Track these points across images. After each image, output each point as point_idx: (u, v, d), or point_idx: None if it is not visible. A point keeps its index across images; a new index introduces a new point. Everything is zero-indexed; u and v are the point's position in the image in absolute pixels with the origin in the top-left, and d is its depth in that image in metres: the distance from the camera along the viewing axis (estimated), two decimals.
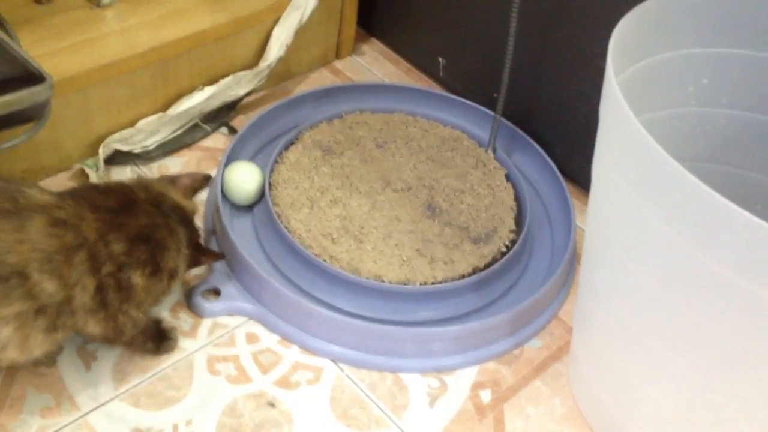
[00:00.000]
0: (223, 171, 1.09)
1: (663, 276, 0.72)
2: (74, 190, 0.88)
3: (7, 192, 0.79)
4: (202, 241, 1.00)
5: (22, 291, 0.76)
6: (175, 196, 0.93)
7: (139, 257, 0.84)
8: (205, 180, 1.00)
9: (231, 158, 1.13)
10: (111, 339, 0.88)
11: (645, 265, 0.74)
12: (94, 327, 0.84)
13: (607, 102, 0.76)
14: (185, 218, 0.92)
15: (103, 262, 0.82)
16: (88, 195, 0.85)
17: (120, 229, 0.84)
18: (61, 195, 0.84)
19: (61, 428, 0.88)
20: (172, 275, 0.89)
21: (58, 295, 0.79)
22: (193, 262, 0.95)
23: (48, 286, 0.78)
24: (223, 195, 1.09)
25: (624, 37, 0.78)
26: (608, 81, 0.75)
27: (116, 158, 1.14)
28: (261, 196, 1.10)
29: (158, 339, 0.94)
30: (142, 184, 0.91)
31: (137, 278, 0.85)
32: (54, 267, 0.78)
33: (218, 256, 1.01)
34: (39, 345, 0.80)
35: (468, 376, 1.00)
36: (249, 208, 1.12)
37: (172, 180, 0.96)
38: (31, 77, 0.90)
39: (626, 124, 0.70)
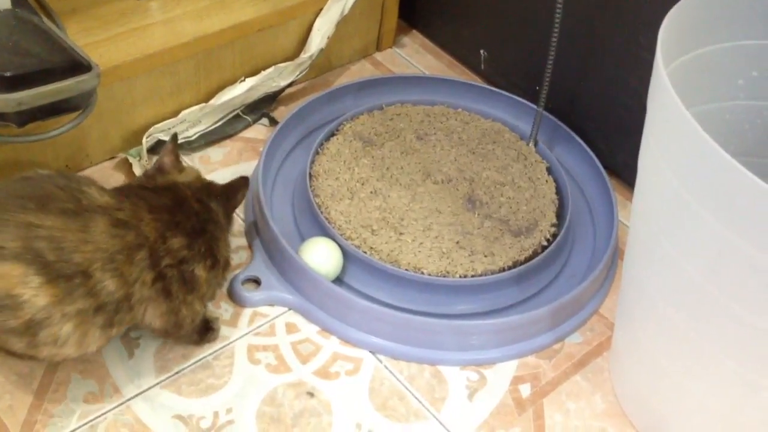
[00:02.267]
0: (300, 247, 1.03)
1: (710, 270, 0.71)
2: (126, 189, 0.89)
3: (70, 191, 0.81)
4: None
5: (85, 289, 0.78)
6: (184, 177, 0.93)
7: (199, 250, 0.86)
8: (173, 142, 0.96)
9: (272, 150, 1.14)
10: (169, 333, 0.90)
11: (692, 258, 0.73)
12: (153, 320, 0.86)
13: (656, 93, 0.75)
14: (209, 190, 0.93)
15: (163, 257, 0.84)
16: (142, 195, 0.87)
17: (177, 226, 0.85)
18: (117, 195, 0.85)
19: (104, 413, 0.89)
20: (225, 266, 0.92)
21: (117, 293, 0.81)
22: (232, 207, 0.95)
23: (109, 285, 0.80)
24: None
25: (673, 28, 0.77)
26: (657, 72, 0.74)
27: (159, 148, 1.15)
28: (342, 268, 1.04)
29: (202, 330, 0.95)
30: (183, 179, 0.92)
31: (200, 270, 0.87)
32: (116, 266, 0.80)
33: (243, 180, 0.96)
34: (95, 341, 0.82)
35: (507, 370, 0.99)
36: (290, 198, 1.12)
37: (159, 169, 0.94)
38: (78, 66, 0.91)
39: (675, 115, 0.69)
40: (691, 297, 0.75)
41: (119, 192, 0.87)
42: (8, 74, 0.87)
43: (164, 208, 0.86)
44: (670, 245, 0.76)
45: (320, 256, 1.01)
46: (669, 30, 0.77)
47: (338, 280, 1.02)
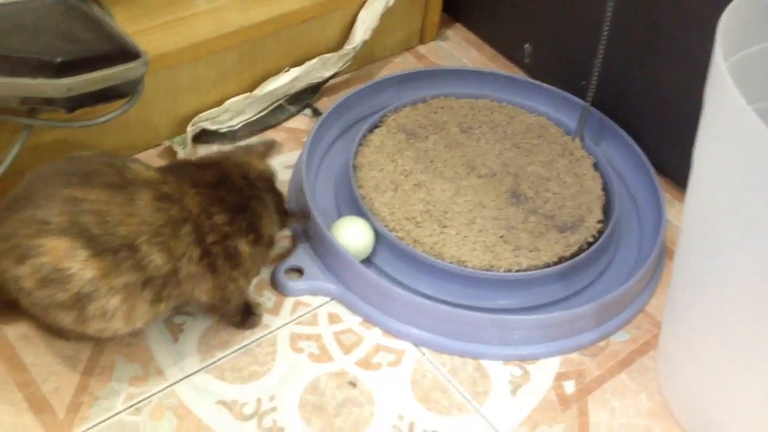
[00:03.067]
0: (332, 227, 1.03)
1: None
2: (171, 166, 0.90)
3: (115, 166, 0.82)
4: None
5: (132, 263, 0.79)
6: (258, 164, 0.94)
7: (241, 226, 0.86)
8: (274, 146, 0.99)
9: (316, 140, 1.13)
10: (216, 308, 0.90)
11: (748, 255, 0.71)
12: (201, 295, 0.86)
13: (715, 88, 0.73)
14: (270, 186, 0.94)
15: (207, 233, 0.84)
16: (186, 170, 0.87)
17: (220, 201, 0.85)
18: (162, 170, 0.86)
19: (149, 396, 0.89)
20: (270, 243, 0.91)
21: (165, 267, 0.81)
22: (281, 226, 0.96)
23: (156, 258, 0.80)
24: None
25: (733, 22, 0.75)
26: (716, 66, 0.72)
27: (203, 137, 1.16)
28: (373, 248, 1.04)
29: (245, 313, 0.95)
30: (230, 158, 0.93)
31: (244, 246, 0.87)
32: (162, 240, 0.80)
33: (305, 216, 1.02)
34: (143, 316, 0.82)
35: (551, 366, 0.98)
36: (333, 189, 1.12)
37: (248, 150, 0.97)
38: (127, 54, 0.92)
39: (735, 110, 0.68)
40: (748, 296, 0.73)
41: (165, 168, 0.87)
42: (58, 60, 0.87)
43: (208, 183, 0.86)
44: (725, 242, 0.74)
45: (352, 234, 1.01)
46: (729, 24, 0.75)
47: (380, 271, 1.02)
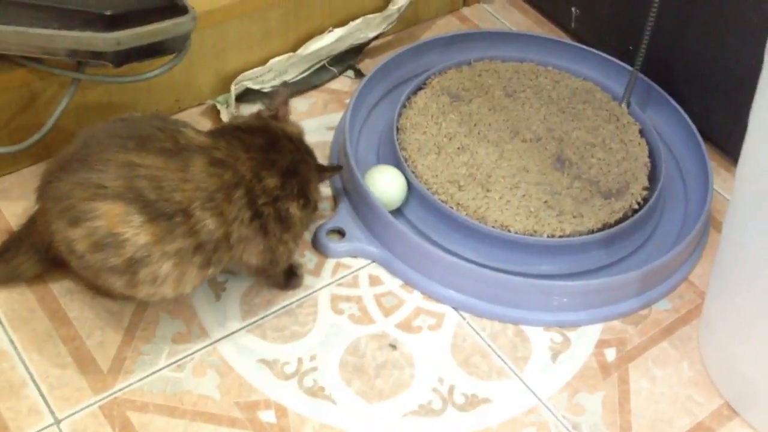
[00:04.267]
0: (366, 176, 1.03)
1: None
2: (220, 130, 0.90)
3: (168, 131, 0.82)
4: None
5: (185, 228, 0.79)
6: (291, 127, 0.93)
7: (292, 190, 0.87)
8: (287, 100, 0.96)
9: (359, 102, 1.12)
10: (263, 270, 0.91)
11: None
12: (250, 257, 0.86)
13: None
14: (306, 146, 0.94)
15: (259, 195, 0.84)
16: (237, 134, 0.87)
17: (272, 165, 0.86)
18: (213, 135, 0.86)
19: (191, 353, 0.90)
20: (315, 208, 0.92)
21: (217, 231, 0.81)
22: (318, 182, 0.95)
23: (209, 223, 0.80)
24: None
25: None
26: None
27: (246, 96, 1.15)
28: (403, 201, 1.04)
29: (288, 274, 0.95)
30: (269, 122, 0.92)
31: (294, 209, 0.87)
32: (215, 205, 0.81)
33: (337, 168, 1.02)
34: (192, 281, 0.83)
35: (592, 333, 0.97)
36: (375, 151, 1.11)
37: (271, 114, 0.94)
38: (176, 8, 0.91)
39: None
40: None
41: (215, 133, 0.87)
42: (108, 13, 0.87)
43: (259, 147, 0.86)
44: None
45: (384, 183, 1.01)
46: None
47: (421, 234, 1.01)
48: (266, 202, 0.85)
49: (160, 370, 0.88)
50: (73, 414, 0.85)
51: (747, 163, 0.81)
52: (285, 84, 1.04)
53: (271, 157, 0.86)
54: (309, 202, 0.90)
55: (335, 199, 1.06)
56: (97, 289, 0.90)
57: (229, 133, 0.87)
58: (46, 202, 0.82)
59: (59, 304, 0.93)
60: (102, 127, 0.84)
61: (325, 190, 1.07)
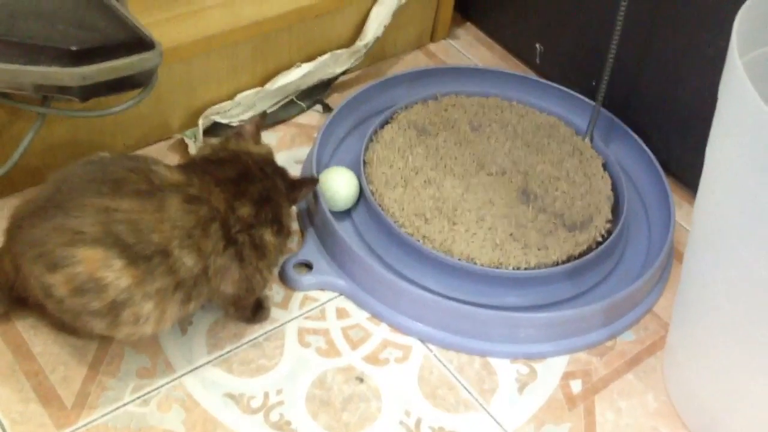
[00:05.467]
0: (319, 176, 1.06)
1: None
2: (190, 164, 0.90)
3: (140, 172, 0.82)
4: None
5: (165, 268, 0.79)
6: (258, 149, 0.94)
7: (266, 217, 0.87)
8: (262, 118, 0.99)
9: (326, 136, 1.13)
10: (239, 299, 0.90)
11: (762, 255, 0.71)
12: (227, 286, 0.87)
13: (729, 85, 0.73)
14: (275, 168, 0.94)
15: (233, 225, 0.85)
16: (206, 168, 0.88)
17: (243, 195, 0.86)
18: (185, 171, 0.86)
19: (156, 388, 0.89)
20: (288, 233, 0.92)
21: (196, 267, 0.82)
22: (293, 200, 0.95)
23: (187, 261, 0.81)
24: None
25: (750, 19, 0.75)
26: (731, 63, 0.72)
27: (214, 130, 1.16)
28: (356, 201, 1.08)
29: (255, 307, 0.95)
30: (237, 150, 0.92)
31: (269, 236, 0.88)
32: (193, 242, 0.81)
33: (313, 181, 1.01)
34: (173, 317, 0.83)
35: (558, 364, 0.98)
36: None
37: (239, 134, 0.95)
38: (142, 43, 0.92)
39: (751, 108, 0.68)
40: (758, 295, 0.73)
41: (185, 168, 0.87)
42: (74, 48, 0.87)
43: (229, 179, 0.87)
44: (739, 242, 0.74)
45: (336, 183, 1.05)
46: (745, 21, 0.75)
47: (388, 267, 1.02)
48: (240, 230, 0.85)
49: (125, 405, 0.87)
50: None
51: (704, 196, 0.82)
52: (264, 114, 1.06)
53: (242, 188, 0.87)
54: (282, 228, 0.90)
55: (302, 233, 1.07)
56: (64, 327, 0.90)
57: (201, 167, 0.88)
58: (17, 246, 0.81)
59: (23, 339, 0.91)
60: (73, 170, 0.83)
61: (293, 225, 1.07)
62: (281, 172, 0.94)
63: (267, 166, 0.92)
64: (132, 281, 0.78)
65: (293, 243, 1.05)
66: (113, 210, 0.78)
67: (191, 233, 0.81)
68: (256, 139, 0.95)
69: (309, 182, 1.01)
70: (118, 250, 0.77)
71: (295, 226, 1.07)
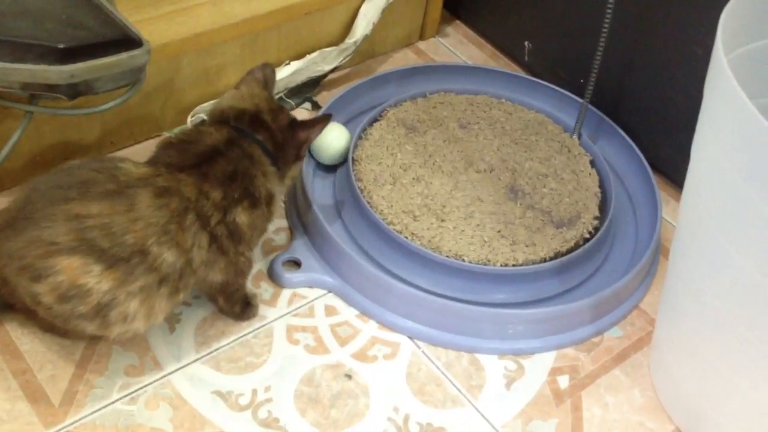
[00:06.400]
0: None
1: (766, 263, 0.70)
2: (157, 154, 0.88)
3: (106, 171, 0.81)
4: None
5: (145, 266, 0.79)
6: (237, 103, 0.91)
7: (233, 196, 0.85)
8: (271, 72, 0.96)
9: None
10: (230, 283, 0.90)
11: (747, 251, 0.72)
12: (215, 276, 0.87)
13: (715, 82, 0.74)
14: (257, 121, 0.90)
15: (211, 215, 0.84)
16: (169, 156, 0.86)
17: (207, 177, 0.84)
18: (152, 162, 0.86)
19: (144, 386, 0.89)
20: (269, 199, 0.89)
21: (178, 261, 0.81)
22: (296, 144, 0.93)
23: (168, 257, 0.80)
24: (310, 153, 1.12)
25: (735, 17, 0.76)
26: (717, 61, 0.73)
27: None
28: (346, 156, 1.12)
29: (244, 304, 0.95)
30: (211, 114, 0.92)
31: (241, 217, 0.86)
32: (170, 237, 0.80)
33: (326, 117, 0.95)
34: (162, 310, 0.83)
35: (546, 360, 0.99)
36: (332, 183, 1.12)
37: (240, 83, 0.94)
38: (131, 41, 0.92)
39: (736, 105, 0.68)
40: (743, 291, 0.74)
41: (152, 160, 0.87)
42: (62, 46, 0.87)
43: (191, 163, 0.85)
44: (723, 237, 0.75)
45: (329, 135, 1.10)
46: (730, 18, 0.75)
47: (377, 264, 1.02)
48: (219, 221, 0.84)
49: (113, 403, 0.88)
50: None
51: (690, 193, 0.83)
52: (272, 67, 1.00)
53: (203, 170, 0.84)
54: (257, 200, 0.87)
55: (291, 230, 1.07)
56: (53, 330, 0.90)
57: (165, 155, 0.86)
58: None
59: (10, 338, 0.91)
60: (42, 180, 0.83)
61: (282, 222, 1.08)
62: (269, 127, 0.90)
63: (239, 121, 0.89)
64: (113, 283, 0.78)
65: (283, 240, 1.06)
66: (84, 216, 0.77)
67: (167, 229, 0.80)
68: (260, 84, 0.93)
69: (321, 120, 0.95)
70: (95, 256, 0.77)
71: (283, 223, 1.08)
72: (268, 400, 0.90)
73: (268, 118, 0.91)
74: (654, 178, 1.14)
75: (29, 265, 0.77)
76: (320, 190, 1.11)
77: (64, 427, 0.85)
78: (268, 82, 0.96)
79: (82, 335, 0.87)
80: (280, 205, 0.93)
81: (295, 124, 0.93)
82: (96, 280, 0.77)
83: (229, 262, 0.87)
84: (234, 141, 0.88)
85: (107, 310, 0.79)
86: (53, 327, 0.87)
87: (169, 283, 0.81)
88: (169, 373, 0.91)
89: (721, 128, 0.73)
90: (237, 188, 0.85)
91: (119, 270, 0.78)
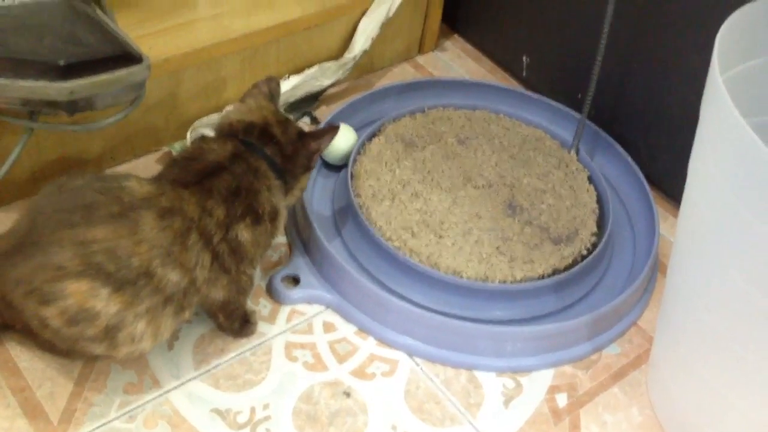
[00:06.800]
0: None
1: (763, 281, 0.70)
2: (162, 173, 0.89)
3: (110, 192, 0.81)
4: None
5: (151, 288, 0.80)
6: (245, 116, 0.91)
7: (237, 213, 0.85)
8: (276, 84, 0.96)
9: None
10: (231, 301, 0.91)
11: (744, 269, 0.72)
12: (217, 293, 0.88)
13: (711, 101, 0.74)
14: (265, 133, 0.90)
15: (214, 233, 0.84)
16: (172, 173, 0.87)
17: (211, 194, 0.84)
18: (156, 180, 0.86)
19: (143, 404, 0.89)
20: (273, 215, 0.89)
21: (182, 281, 0.82)
22: (307, 155, 0.93)
23: (173, 277, 0.81)
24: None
25: (731, 36, 0.76)
26: (713, 79, 0.73)
27: None
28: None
29: (242, 321, 0.95)
30: (219, 127, 0.92)
31: (243, 234, 0.86)
32: (174, 258, 0.81)
33: (333, 129, 0.95)
34: (168, 329, 0.84)
35: (544, 378, 0.99)
36: (330, 198, 1.12)
37: (246, 96, 0.94)
38: (130, 57, 0.92)
39: (731, 124, 0.69)
40: (740, 308, 0.74)
41: (157, 177, 0.87)
42: (62, 63, 0.87)
43: (194, 180, 0.85)
44: (720, 256, 0.75)
45: (339, 136, 1.09)
46: (726, 38, 0.76)
47: (375, 280, 1.02)
48: (221, 238, 0.84)
49: (111, 421, 0.87)
50: None
51: (687, 210, 0.83)
52: (276, 81, 1.00)
53: (206, 186, 0.85)
54: (259, 216, 0.87)
55: (290, 246, 1.07)
56: (54, 350, 0.90)
57: (167, 173, 0.87)
58: (3, 284, 0.81)
59: (9, 355, 0.91)
60: (46, 201, 0.82)
61: (281, 238, 1.08)
62: (277, 138, 0.90)
63: (246, 134, 0.89)
64: (120, 306, 0.78)
65: (279, 255, 1.06)
66: (89, 242, 0.78)
67: (170, 251, 0.80)
68: (268, 96, 0.94)
69: (330, 130, 0.95)
70: (102, 280, 0.77)
71: (282, 239, 1.08)
72: (267, 418, 0.90)
73: (278, 131, 0.92)
74: (651, 194, 1.14)
75: (37, 289, 0.78)
76: (318, 206, 1.11)
77: None
78: (273, 95, 0.96)
79: (87, 356, 0.87)
80: (285, 220, 0.93)
81: (305, 135, 0.94)
82: (104, 304, 0.78)
83: (231, 280, 0.87)
84: (239, 155, 0.88)
85: (115, 332, 0.80)
86: (53, 347, 0.87)
87: (174, 303, 0.82)
88: (168, 391, 0.91)
89: (717, 147, 0.74)
90: (240, 204, 0.86)
91: (126, 293, 0.78)
